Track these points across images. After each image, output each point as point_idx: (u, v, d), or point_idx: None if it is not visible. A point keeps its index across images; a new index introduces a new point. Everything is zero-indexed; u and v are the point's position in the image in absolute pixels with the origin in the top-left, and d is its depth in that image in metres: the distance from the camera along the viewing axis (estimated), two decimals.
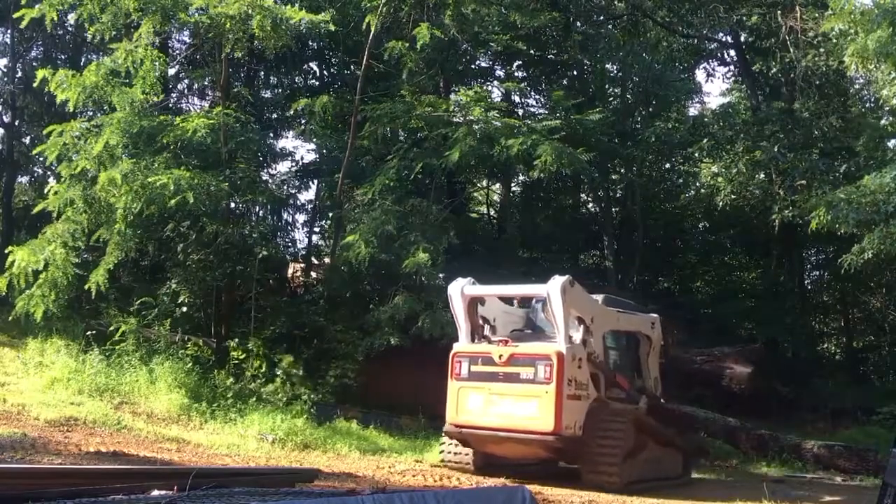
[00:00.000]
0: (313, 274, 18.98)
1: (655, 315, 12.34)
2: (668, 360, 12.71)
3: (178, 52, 21.30)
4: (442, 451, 11.26)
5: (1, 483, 5.36)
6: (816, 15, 19.23)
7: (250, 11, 14.08)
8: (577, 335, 10.35)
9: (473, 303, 10.96)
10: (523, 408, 9.93)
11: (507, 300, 11.73)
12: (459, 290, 10.89)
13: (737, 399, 18.13)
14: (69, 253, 14.08)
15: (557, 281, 10.15)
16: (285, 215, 20.74)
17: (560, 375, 9.75)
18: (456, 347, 10.93)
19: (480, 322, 11.03)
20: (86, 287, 14.19)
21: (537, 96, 24.40)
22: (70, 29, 21.77)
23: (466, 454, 10.91)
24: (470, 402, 10.45)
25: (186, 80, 22.12)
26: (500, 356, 10.29)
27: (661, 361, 12.19)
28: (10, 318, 14.87)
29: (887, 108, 19.44)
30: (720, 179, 21.32)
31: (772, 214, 20.28)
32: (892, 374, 24.54)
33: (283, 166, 23.41)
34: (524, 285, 12.16)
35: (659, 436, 11.07)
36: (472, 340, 10.90)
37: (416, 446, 13.04)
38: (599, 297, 11.48)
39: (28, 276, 14.00)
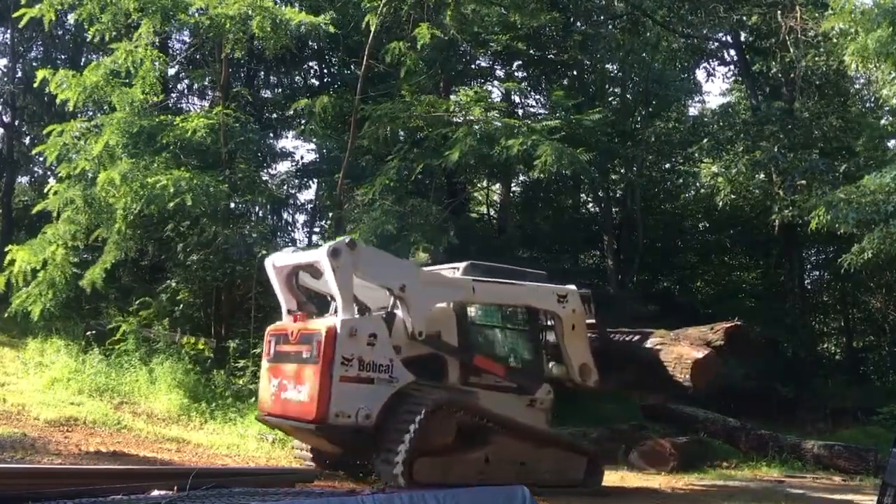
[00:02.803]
0: None
1: (568, 287, 10.19)
2: (604, 343, 10.74)
3: (178, 52, 21.34)
4: (293, 446, 10.14)
5: (1, 483, 5.36)
6: (816, 15, 19.25)
7: (250, 12, 14.09)
8: (377, 307, 8.91)
9: (291, 275, 9.46)
10: (299, 392, 8.51)
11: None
12: (272, 262, 9.58)
13: (737, 399, 18.17)
14: (69, 253, 14.10)
15: (328, 245, 8.66)
16: (285, 215, 20.80)
17: (327, 354, 8.20)
18: (272, 325, 9.69)
19: (303, 296, 9.48)
20: (80, 283, 14.18)
21: (537, 96, 24.43)
22: (70, 29, 21.78)
23: (304, 448, 9.67)
24: (270, 386, 9.08)
25: (186, 80, 22.16)
26: (293, 333, 8.86)
27: (593, 344, 10.31)
28: (7, 316, 14.87)
29: (887, 108, 19.47)
30: (720, 179, 21.30)
31: (772, 214, 20.29)
32: (892, 374, 24.54)
33: (283, 166, 23.46)
34: (309, 251, 9.82)
35: (522, 433, 9.19)
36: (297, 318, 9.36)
37: None
38: (461, 265, 9.89)
39: (27, 276, 14.01)
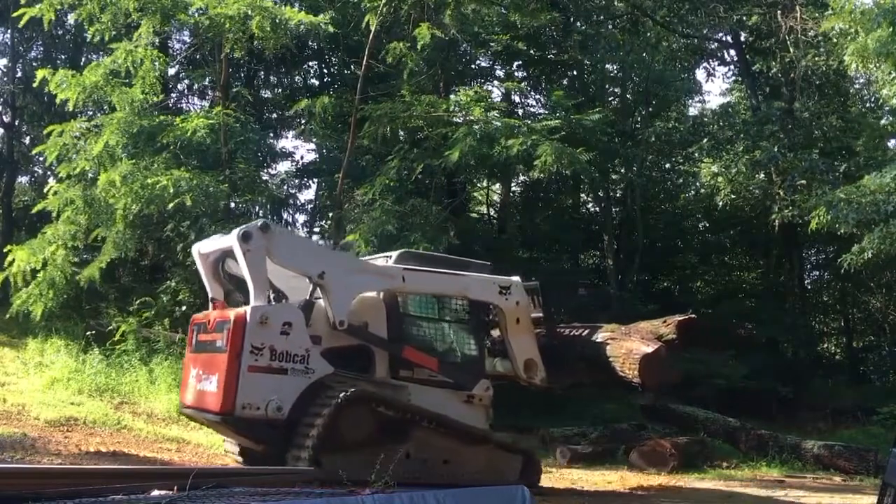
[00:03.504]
0: None
1: (511, 278, 9.72)
2: (553, 338, 10.15)
3: (178, 52, 21.35)
4: (225, 441, 9.72)
5: (1, 483, 5.36)
6: (816, 15, 19.25)
7: (249, 12, 14.10)
8: (295, 294, 8.53)
9: (217, 262, 9.02)
10: (211, 383, 8.11)
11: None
12: (197, 249, 9.20)
13: (737, 399, 18.17)
14: (69, 254, 14.10)
15: (239, 229, 8.19)
16: (285, 215, 20.79)
17: (235, 343, 7.80)
18: (196, 315, 9.38)
19: (230, 284, 9.05)
20: (77, 279, 14.18)
21: (537, 96, 24.41)
22: (70, 29, 21.78)
23: (233, 443, 9.22)
24: (190, 377, 8.67)
25: (186, 80, 22.16)
26: (210, 322, 8.45)
27: (538, 339, 9.75)
28: (8, 316, 14.88)
29: (887, 108, 19.45)
30: (720, 179, 21.32)
31: (772, 214, 20.29)
32: (892, 374, 24.56)
33: (283, 166, 23.45)
34: (225, 236, 8.93)
35: (448, 430, 8.72)
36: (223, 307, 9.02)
37: None
38: (394, 254, 9.62)
39: (26, 275, 14.01)
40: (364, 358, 8.68)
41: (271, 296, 8.54)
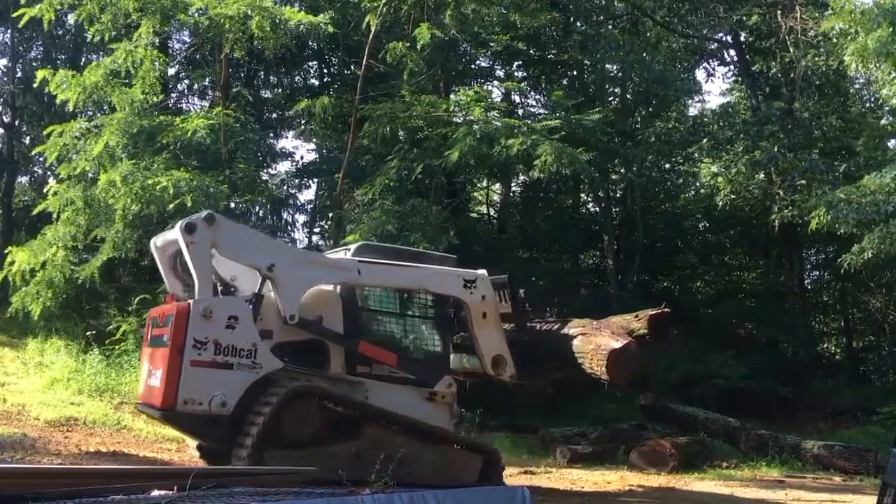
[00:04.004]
0: None
1: (477, 272, 9.35)
2: (524, 333, 9.81)
3: (178, 52, 21.35)
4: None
5: (1, 483, 5.36)
6: (816, 15, 19.27)
7: (249, 12, 14.10)
8: (245, 287, 8.31)
9: (174, 256, 8.71)
10: (156, 377, 7.92)
11: None
12: (154, 242, 8.99)
13: (737, 399, 18.17)
14: (69, 255, 14.11)
15: (183, 220, 8.00)
16: (285, 215, 20.83)
17: (177, 336, 7.61)
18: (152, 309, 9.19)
19: (189, 279, 8.54)
20: (76, 278, 14.17)
21: (537, 96, 24.43)
22: (70, 29, 21.78)
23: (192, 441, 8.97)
24: (143, 372, 8.52)
25: (186, 80, 22.17)
26: (160, 316, 8.27)
27: (507, 334, 9.41)
28: (8, 315, 14.89)
29: (887, 108, 19.46)
30: (720, 179, 21.31)
31: (772, 214, 20.30)
32: (892, 374, 24.56)
33: (283, 166, 23.47)
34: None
35: (403, 428, 8.42)
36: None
37: None
38: (353, 247, 9.39)
39: (25, 275, 14.02)
40: (318, 353, 8.42)
41: (219, 289, 8.32)
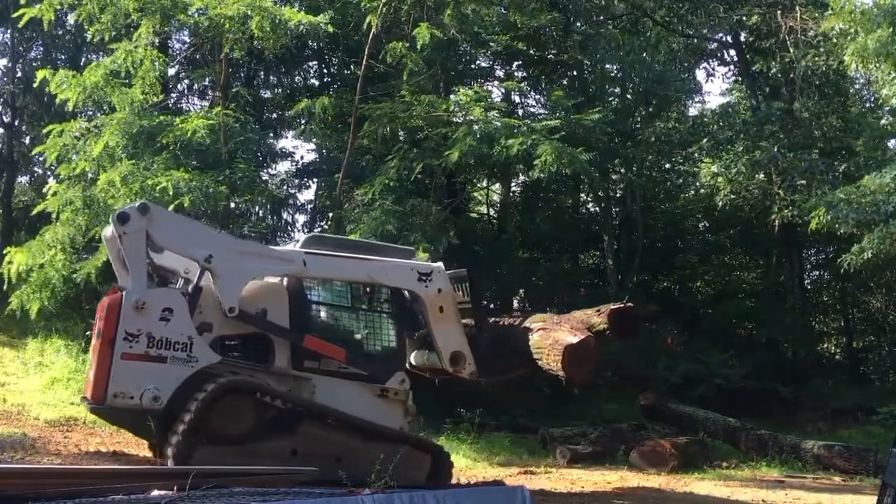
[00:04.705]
0: None
1: (433, 264, 9.09)
2: (484, 329, 9.52)
3: (178, 52, 21.34)
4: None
5: (1, 483, 5.37)
6: (816, 15, 19.27)
7: (249, 12, 14.10)
8: (180, 278, 8.19)
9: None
10: (92, 370, 7.77)
11: None
12: (104, 233, 8.90)
13: (737, 399, 18.17)
14: (68, 257, 14.09)
15: (117, 210, 7.94)
16: (285, 215, 20.80)
17: (108, 329, 7.49)
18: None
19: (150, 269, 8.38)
20: (74, 277, 14.16)
21: (537, 96, 24.42)
22: (70, 29, 21.76)
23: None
24: (88, 366, 8.33)
25: (186, 80, 22.16)
26: (101, 308, 8.01)
27: (467, 330, 9.09)
28: (7, 315, 14.88)
29: (887, 108, 19.46)
30: (720, 179, 21.32)
31: (772, 214, 20.31)
32: (892, 374, 24.57)
33: (283, 166, 23.47)
34: None
35: (343, 425, 8.18)
36: None
37: None
38: (302, 238, 9.15)
39: (23, 274, 14.01)
40: (263, 347, 8.20)
41: (156, 280, 8.20)
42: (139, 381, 7.41)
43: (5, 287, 14.41)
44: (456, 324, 8.92)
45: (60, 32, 22.15)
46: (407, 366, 9.31)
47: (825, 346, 27.10)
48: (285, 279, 8.49)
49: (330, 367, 8.41)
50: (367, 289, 9.06)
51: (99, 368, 7.45)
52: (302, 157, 24.06)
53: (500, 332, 9.79)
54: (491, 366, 9.36)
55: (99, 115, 16.09)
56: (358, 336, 9.03)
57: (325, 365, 8.39)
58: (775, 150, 19.63)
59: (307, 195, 23.10)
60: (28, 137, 24.27)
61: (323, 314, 8.87)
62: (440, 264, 9.13)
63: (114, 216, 7.72)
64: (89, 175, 14.45)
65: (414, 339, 9.33)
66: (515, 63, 23.90)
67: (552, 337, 8.96)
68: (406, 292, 8.97)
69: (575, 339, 8.67)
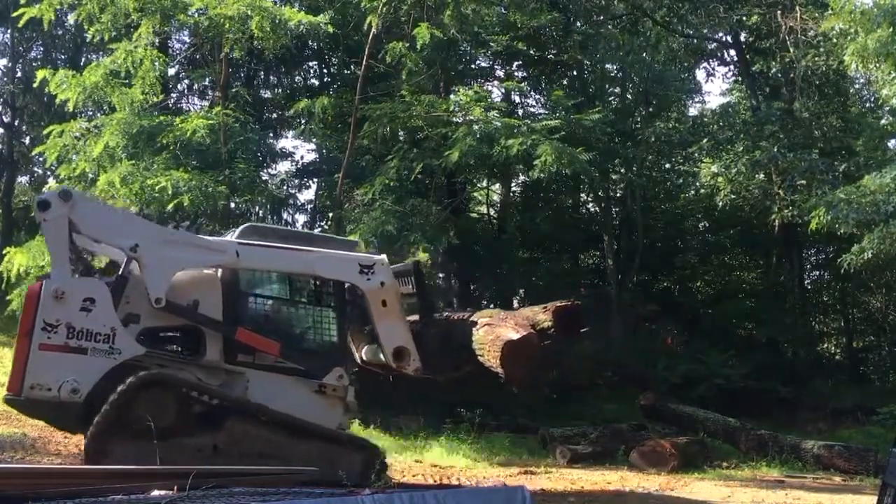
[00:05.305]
0: None
1: (375, 257, 8.81)
2: (431, 324, 9.18)
3: (178, 52, 21.36)
4: None
5: (1, 483, 5.37)
6: (816, 15, 19.27)
7: (249, 12, 14.11)
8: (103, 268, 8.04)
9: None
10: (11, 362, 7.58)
11: None
12: None
13: (737, 399, 18.17)
14: None
15: (37, 196, 7.70)
16: (285, 215, 20.80)
17: (26, 318, 7.33)
18: None
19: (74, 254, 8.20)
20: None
21: (537, 96, 24.44)
22: (70, 29, 21.78)
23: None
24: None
25: (186, 80, 22.18)
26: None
27: (414, 325, 8.80)
28: (6, 314, 14.87)
29: (887, 108, 19.46)
30: (720, 179, 21.32)
31: (772, 214, 20.31)
32: (892, 374, 24.56)
33: (283, 166, 23.49)
34: None
35: (269, 421, 7.79)
36: None
37: (416, 446, 13.04)
38: (238, 229, 8.87)
39: (23, 274, 14.01)
40: (194, 339, 7.95)
41: (80, 268, 7.95)
42: (57, 372, 7.18)
43: (5, 287, 14.40)
44: (400, 319, 8.63)
45: (60, 32, 22.18)
46: (359, 361, 9.15)
47: (825, 346, 27.09)
48: (219, 270, 8.21)
49: (265, 362, 8.17)
50: (310, 281, 8.77)
51: (16, 360, 7.28)
52: (302, 157, 24.11)
53: (448, 327, 9.47)
54: (439, 362, 9.05)
55: (99, 115, 16.12)
56: (296, 330, 8.77)
57: (260, 359, 8.15)
58: (775, 150, 19.63)
59: (307, 195, 23.14)
60: (28, 137, 24.31)
61: (260, 307, 8.60)
62: (383, 257, 8.89)
63: (34, 203, 7.51)
64: (89, 176, 14.47)
65: (364, 333, 9.09)
66: (515, 63, 23.92)
67: (495, 333, 8.68)
68: (348, 285, 8.64)
69: (515, 336, 8.38)
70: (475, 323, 9.10)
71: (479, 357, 8.75)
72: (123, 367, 7.37)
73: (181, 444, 7.30)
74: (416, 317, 9.04)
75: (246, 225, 8.94)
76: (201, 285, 8.06)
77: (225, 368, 7.99)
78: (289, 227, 9.67)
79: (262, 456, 7.49)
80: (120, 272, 7.70)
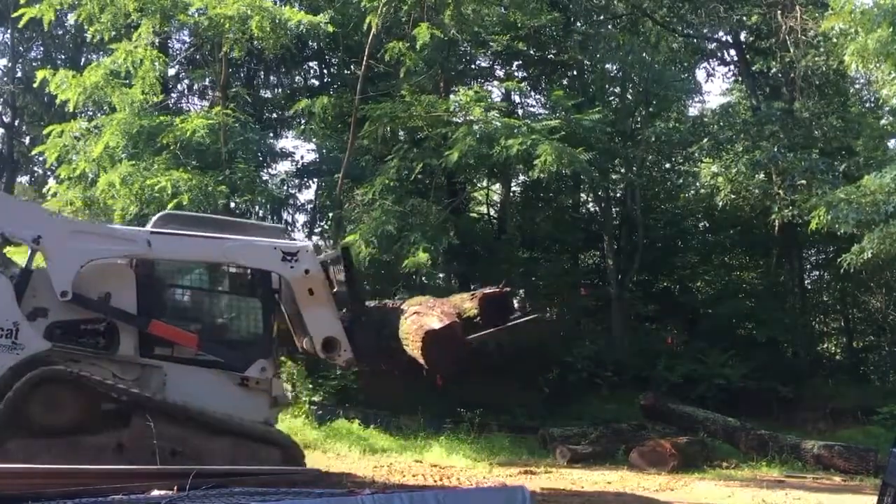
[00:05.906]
0: None
1: (299, 244, 8.49)
2: (360, 313, 8.79)
3: (178, 52, 21.37)
4: None
5: (1, 483, 5.37)
6: (816, 15, 19.28)
7: (249, 12, 14.12)
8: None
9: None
10: None
11: None
12: None
13: (737, 399, 18.18)
14: None
15: None
16: (285, 215, 20.80)
17: None
18: None
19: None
20: None
21: (537, 96, 24.43)
22: (70, 29, 21.80)
23: None
24: None
25: (186, 80, 22.19)
26: None
27: (344, 315, 8.41)
28: None
29: (887, 108, 19.47)
30: (720, 179, 21.30)
31: (772, 214, 20.29)
32: (892, 374, 24.55)
33: (283, 166, 23.50)
34: None
35: (180, 417, 7.54)
36: None
37: (416, 446, 13.05)
38: (154, 217, 8.66)
39: None
40: (108, 333, 7.70)
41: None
42: None
43: None
44: (328, 308, 8.27)
45: (60, 32, 22.21)
46: (300, 349, 8.87)
47: (825, 346, 27.08)
48: (132, 261, 7.98)
49: (184, 355, 7.91)
50: (231, 270, 8.45)
51: None
52: (302, 157, 24.10)
53: (381, 316, 9.17)
54: (372, 353, 8.79)
55: (99, 115, 16.12)
56: (216, 321, 8.48)
57: (178, 352, 7.89)
58: (775, 150, 19.62)
59: (307, 195, 23.14)
60: (28, 137, 24.34)
61: (179, 298, 8.40)
62: (308, 243, 8.59)
63: None
64: (90, 176, 14.48)
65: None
66: (515, 63, 23.90)
67: (420, 322, 8.35)
68: (271, 274, 8.29)
69: (438, 325, 8.06)
70: (403, 311, 8.81)
71: (405, 347, 8.41)
72: (30, 364, 7.20)
73: (81, 443, 7.08)
74: (345, 306, 8.60)
75: (163, 213, 8.74)
76: (113, 277, 7.82)
77: (140, 363, 7.75)
78: (212, 215, 9.40)
79: (175, 454, 7.26)
80: (24, 265, 7.52)
